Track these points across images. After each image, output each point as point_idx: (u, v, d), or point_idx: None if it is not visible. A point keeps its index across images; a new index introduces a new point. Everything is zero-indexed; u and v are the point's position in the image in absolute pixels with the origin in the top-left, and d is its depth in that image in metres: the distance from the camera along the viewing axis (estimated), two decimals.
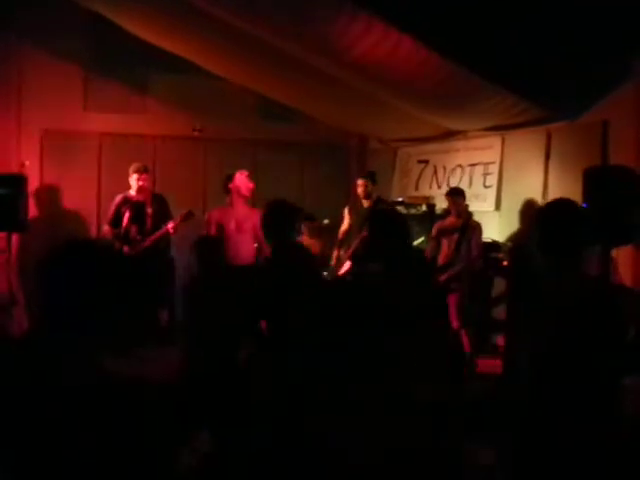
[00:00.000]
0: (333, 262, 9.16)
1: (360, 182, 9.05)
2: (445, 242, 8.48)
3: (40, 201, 10.16)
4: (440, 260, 8.44)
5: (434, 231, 8.72)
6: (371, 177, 9.13)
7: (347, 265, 8.76)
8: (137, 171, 8.88)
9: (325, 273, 9.41)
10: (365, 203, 9.00)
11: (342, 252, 9.15)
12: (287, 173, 11.45)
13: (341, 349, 2.85)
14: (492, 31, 7.40)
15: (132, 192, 8.95)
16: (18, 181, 9.14)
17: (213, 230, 8.36)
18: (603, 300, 3.42)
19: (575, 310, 3.38)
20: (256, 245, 8.38)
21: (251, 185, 8.50)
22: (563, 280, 3.44)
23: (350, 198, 10.82)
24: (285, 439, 2.92)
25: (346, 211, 9.29)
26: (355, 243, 8.69)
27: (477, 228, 8.47)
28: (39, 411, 2.22)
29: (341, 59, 8.07)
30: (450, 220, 8.64)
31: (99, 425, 2.26)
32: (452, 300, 8.19)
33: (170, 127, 10.78)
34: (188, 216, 8.68)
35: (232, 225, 8.32)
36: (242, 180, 8.46)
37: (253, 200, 8.74)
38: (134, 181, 8.91)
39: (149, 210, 8.84)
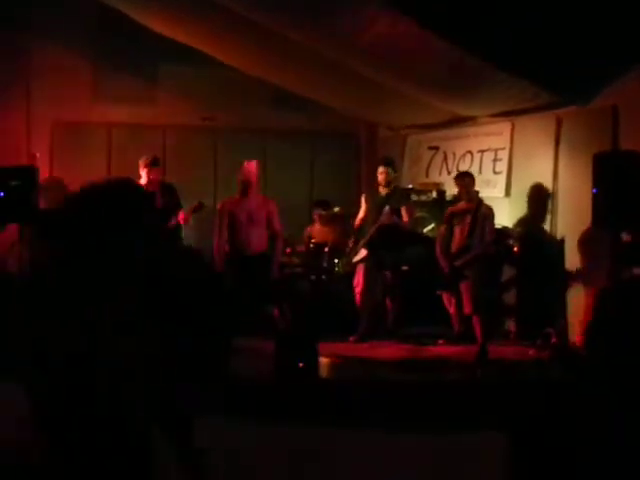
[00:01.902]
0: (349, 250, 9.13)
1: (381, 169, 8.97)
2: (457, 229, 8.46)
3: (50, 192, 10.18)
4: (453, 247, 8.44)
5: (446, 216, 8.69)
6: (392, 165, 9.08)
7: (363, 253, 8.75)
8: (147, 166, 8.84)
9: (337, 261, 9.44)
10: (383, 191, 8.94)
11: (358, 240, 9.06)
12: (297, 161, 11.44)
13: None
14: (501, 16, 7.38)
15: (142, 182, 8.94)
16: (29, 173, 9.17)
17: (225, 220, 8.41)
18: None
19: None
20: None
21: (250, 175, 8.52)
22: None
23: (364, 185, 10.82)
24: None
25: (363, 199, 9.22)
26: (371, 231, 8.69)
27: (489, 213, 8.45)
28: None
29: (351, 46, 8.07)
30: (461, 205, 8.62)
31: None
32: (465, 287, 8.19)
33: (180, 117, 10.78)
34: (199, 208, 8.71)
35: (244, 215, 8.36)
36: (242, 170, 8.53)
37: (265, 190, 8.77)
38: (144, 175, 8.89)
39: (159, 201, 8.84)
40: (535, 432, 3.13)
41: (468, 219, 8.35)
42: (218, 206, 8.67)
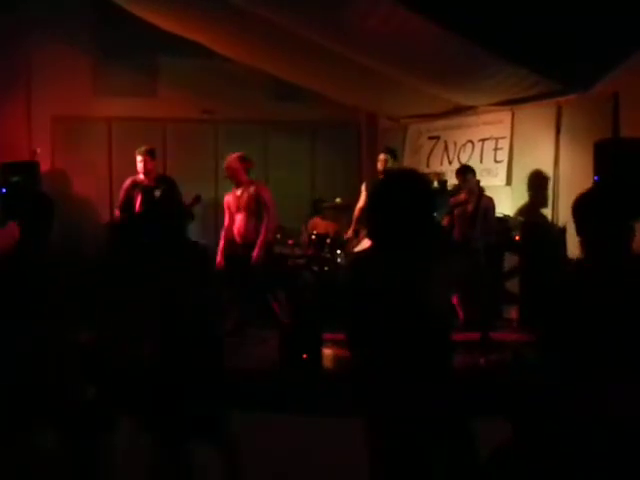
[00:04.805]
0: (349, 237, 9.12)
1: (381, 157, 9.05)
2: (459, 220, 8.46)
3: (52, 187, 10.18)
4: (456, 236, 8.44)
5: (449, 207, 8.70)
6: (392, 153, 9.14)
7: (366, 242, 8.75)
8: (139, 153, 8.93)
9: (339, 252, 9.43)
10: None
11: (359, 229, 9.08)
12: (298, 152, 11.45)
13: None
14: (501, 4, 7.37)
15: (141, 176, 8.98)
16: (30, 168, 9.19)
17: (227, 214, 8.51)
18: None
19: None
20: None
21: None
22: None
23: (363, 175, 10.82)
24: None
25: (363, 187, 9.24)
26: None
27: (490, 203, 8.45)
28: None
29: (350, 36, 8.05)
30: (462, 196, 8.62)
31: None
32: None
33: (181, 110, 10.76)
34: (196, 201, 8.71)
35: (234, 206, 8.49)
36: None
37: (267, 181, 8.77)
38: (138, 163, 8.96)
39: (157, 193, 8.84)
40: (536, 419, 3.15)
41: (469, 210, 8.36)
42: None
